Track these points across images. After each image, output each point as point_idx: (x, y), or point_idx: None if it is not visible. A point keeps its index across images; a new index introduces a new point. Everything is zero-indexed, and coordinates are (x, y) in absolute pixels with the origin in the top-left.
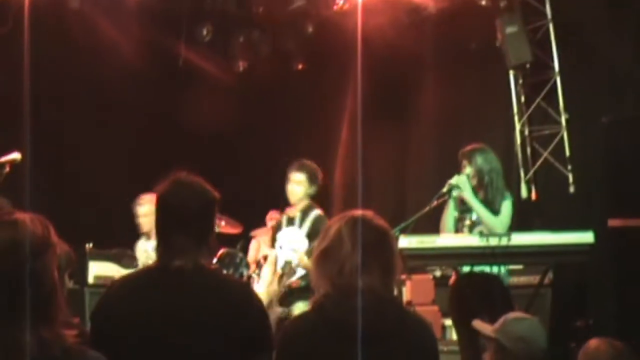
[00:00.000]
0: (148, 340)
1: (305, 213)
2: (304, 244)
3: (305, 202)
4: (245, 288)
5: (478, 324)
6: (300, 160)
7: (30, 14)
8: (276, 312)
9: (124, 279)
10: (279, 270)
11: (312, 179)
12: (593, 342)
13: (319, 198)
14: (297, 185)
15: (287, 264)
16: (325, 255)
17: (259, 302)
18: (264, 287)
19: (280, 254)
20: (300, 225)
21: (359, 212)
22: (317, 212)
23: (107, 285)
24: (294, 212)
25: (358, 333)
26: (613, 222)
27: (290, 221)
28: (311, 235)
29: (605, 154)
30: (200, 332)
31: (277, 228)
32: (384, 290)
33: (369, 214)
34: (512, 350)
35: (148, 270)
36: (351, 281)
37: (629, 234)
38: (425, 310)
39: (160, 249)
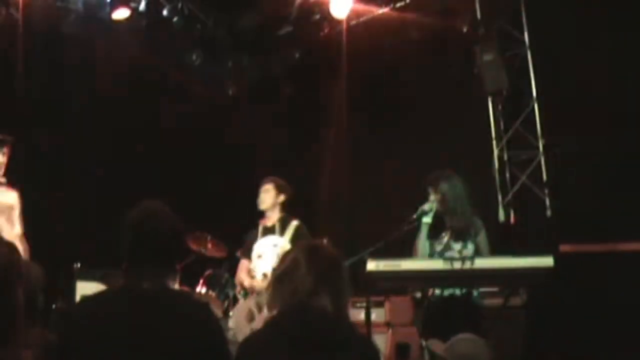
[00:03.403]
0: (111, 358)
1: (283, 222)
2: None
3: (280, 213)
4: (204, 307)
5: (431, 343)
6: (268, 175)
7: (23, 38)
8: (264, 316)
9: (91, 300)
10: (264, 278)
11: (279, 188)
12: None
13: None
14: (265, 193)
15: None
16: (281, 278)
17: (217, 320)
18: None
19: (259, 263)
20: (281, 233)
21: (314, 241)
22: (295, 222)
23: (75, 306)
24: (271, 222)
25: (307, 346)
26: (564, 248)
27: (268, 231)
28: (294, 243)
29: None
30: (162, 350)
31: (252, 238)
32: (334, 310)
33: (324, 243)
34: None
35: (114, 291)
36: (303, 301)
37: (578, 260)
38: (404, 331)
39: (129, 272)
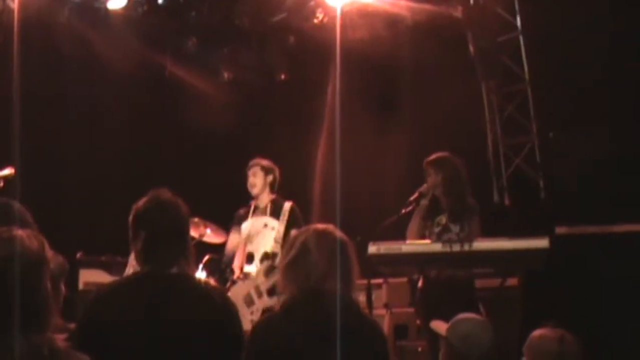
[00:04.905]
0: (137, 345)
1: (275, 204)
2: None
3: (271, 195)
4: (223, 294)
5: (434, 324)
6: (254, 159)
7: (19, 28)
8: (265, 302)
9: (113, 287)
10: (260, 265)
11: (266, 169)
12: (537, 332)
13: (302, 204)
14: (253, 177)
15: (266, 255)
16: (292, 264)
17: (234, 305)
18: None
19: (248, 242)
20: (273, 215)
21: (322, 226)
22: (288, 203)
23: (94, 292)
24: (263, 202)
25: (321, 330)
26: (560, 230)
27: (259, 211)
28: (291, 225)
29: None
30: (186, 336)
31: (242, 218)
32: (344, 294)
33: (331, 227)
34: (459, 348)
35: (138, 277)
36: (316, 286)
37: (575, 241)
38: (402, 312)
39: (148, 259)
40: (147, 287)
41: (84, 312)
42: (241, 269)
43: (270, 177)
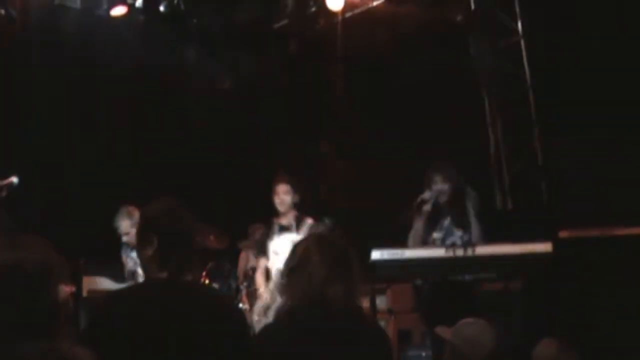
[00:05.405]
0: (150, 351)
1: (299, 220)
2: None
3: (294, 212)
4: (231, 301)
5: (439, 329)
6: (281, 173)
7: (22, 37)
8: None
9: (129, 292)
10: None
11: (295, 188)
12: (539, 345)
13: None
14: (285, 195)
15: None
16: (295, 271)
17: (242, 313)
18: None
19: (276, 260)
20: (297, 231)
21: (325, 232)
22: (310, 220)
23: (108, 297)
24: (286, 220)
25: (324, 336)
26: (563, 234)
27: (284, 229)
28: None
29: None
30: (197, 342)
31: (266, 236)
32: (347, 299)
33: (332, 233)
34: (462, 351)
35: (156, 283)
36: (319, 291)
37: (578, 245)
38: (405, 318)
39: (163, 265)
40: (165, 293)
41: (96, 316)
42: (245, 274)
43: (297, 196)
